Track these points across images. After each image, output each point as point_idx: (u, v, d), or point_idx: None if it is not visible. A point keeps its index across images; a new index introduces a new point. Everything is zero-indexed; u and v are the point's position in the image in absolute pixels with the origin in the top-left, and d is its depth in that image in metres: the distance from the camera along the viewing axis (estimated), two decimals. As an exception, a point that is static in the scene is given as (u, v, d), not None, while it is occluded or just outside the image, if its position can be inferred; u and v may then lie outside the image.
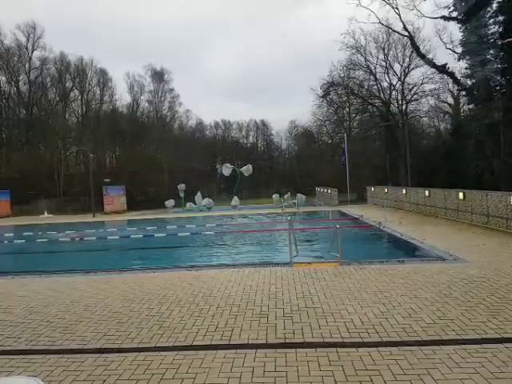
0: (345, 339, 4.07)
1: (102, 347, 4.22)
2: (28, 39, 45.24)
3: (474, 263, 7.26)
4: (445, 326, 4.29)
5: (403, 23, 33.67)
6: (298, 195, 28.78)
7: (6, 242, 16.22)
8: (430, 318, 4.55)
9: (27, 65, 45.67)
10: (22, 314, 5.54)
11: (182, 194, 32.04)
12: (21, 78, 45.86)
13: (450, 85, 36.26)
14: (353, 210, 20.53)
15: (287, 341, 4.10)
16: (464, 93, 33.81)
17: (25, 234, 17.60)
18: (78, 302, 5.94)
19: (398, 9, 32.95)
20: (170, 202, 30.88)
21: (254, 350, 3.90)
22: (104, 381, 3.46)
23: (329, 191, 30.26)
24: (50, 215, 30.24)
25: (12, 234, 18.65)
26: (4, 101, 45.52)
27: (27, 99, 45.94)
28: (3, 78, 45.44)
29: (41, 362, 3.95)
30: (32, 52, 45.63)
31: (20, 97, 46.03)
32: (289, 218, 8.61)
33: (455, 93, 37.37)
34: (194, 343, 4.19)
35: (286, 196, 30.30)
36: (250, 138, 71.02)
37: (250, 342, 4.14)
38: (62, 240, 15.41)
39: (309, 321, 4.63)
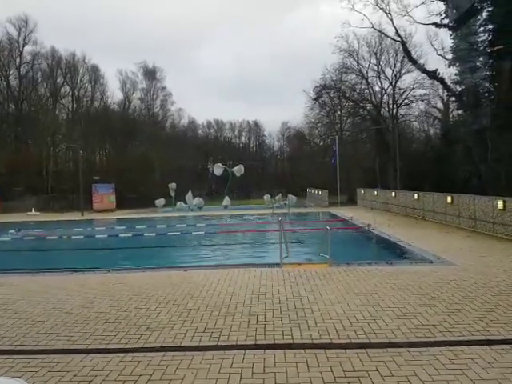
0: (333, 340, 4.08)
1: (88, 347, 4.16)
2: (19, 33, 44.32)
3: (460, 266, 7.37)
4: (432, 327, 4.34)
5: (396, 28, 34.12)
6: (289, 196, 28.84)
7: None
8: (418, 319, 4.59)
9: (18, 59, 44.79)
10: (6, 313, 5.43)
11: (172, 194, 31.82)
12: (11, 72, 44.93)
13: (440, 90, 36.79)
14: (343, 212, 20.67)
15: (276, 342, 4.10)
16: (453, 98, 34.35)
17: (10, 231, 17.29)
18: (64, 302, 5.84)
19: (390, 14, 33.37)
20: (160, 202, 30.66)
21: (243, 351, 3.89)
22: (90, 382, 3.41)
23: (320, 193, 30.42)
24: (38, 213, 29.75)
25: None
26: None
27: (17, 94, 45.09)
28: (-7, 72, 44.58)
29: (25, 362, 3.87)
30: (23, 46, 44.77)
31: (10, 91, 45.16)
32: (279, 218, 8.62)
33: (445, 98, 37.91)
34: (182, 344, 4.16)
35: (277, 197, 30.33)
36: (243, 138, 71.00)
37: (239, 343, 4.12)
38: (49, 238, 15.18)
39: (298, 322, 4.64)
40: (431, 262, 7.82)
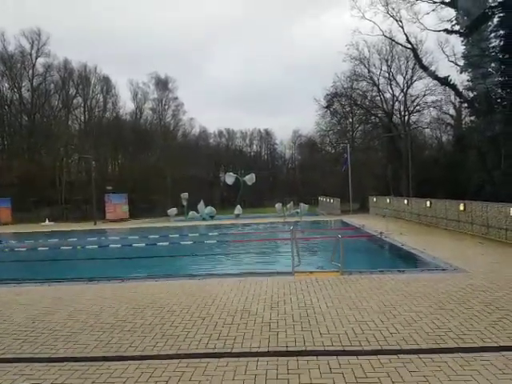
0: (345, 347, 4.13)
1: (105, 355, 4.27)
2: (32, 46, 45.48)
3: (473, 273, 7.31)
4: (443, 334, 4.35)
5: (406, 36, 34.18)
6: (301, 204, 28.82)
7: (6, 250, 16.31)
8: (429, 326, 4.61)
9: (30, 71, 45.87)
10: (25, 322, 5.58)
11: (184, 203, 32.12)
12: (24, 84, 46.02)
13: (452, 97, 36.59)
14: (355, 220, 20.59)
15: (289, 349, 4.16)
16: (466, 105, 34.07)
17: (26, 241, 17.70)
18: (81, 310, 5.99)
19: (401, 21, 33.48)
20: (172, 211, 30.96)
21: (256, 358, 3.96)
22: (108, 387, 3.52)
23: (331, 201, 30.34)
24: (52, 223, 30.34)
25: (14, 242, 18.72)
26: (6, 108, 45.83)
27: (30, 106, 46.16)
28: (6, 85, 45.83)
29: (44, 369, 3.97)
30: (36, 59, 45.92)
31: (23, 103, 46.29)
32: (291, 227, 8.69)
33: (457, 105, 37.66)
34: (197, 351, 4.24)
35: (288, 205, 30.35)
36: (254, 146, 71.48)
37: (253, 350, 4.19)
38: (64, 248, 15.50)
39: (310, 329, 4.69)
40: (444, 270, 7.78)
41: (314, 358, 3.90)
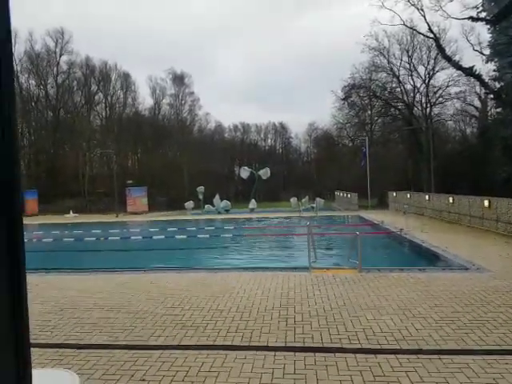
0: (363, 345, 4.13)
1: (129, 343, 4.43)
2: (56, 44, 46.91)
3: (497, 273, 7.14)
4: (464, 335, 4.29)
5: (428, 25, 33.09)
6: (317, 199, 28.62)
7: (34, 240, 16.92)
8: (450, 327, 4.55)
9: (55, 69, 47.35)
10: (53, 310, 5.84)
11: (200, 196, 32.48)
12: (49, 81, 47.61)
13: (477, 87, 35.39)
14: (373, 216, 20.32)
15: (306, 345, 4.20)
16: (492, 96, 32.84)
17: (53, 232, 18.32)
18: (104, 300, 6.21)
19: (422, 10, 32.41)
20: (189, 204, 31.37)
21: (274, 353, 4.02)
22: (132, 375, 3.66)
23: (348, 195, 30.00)
24: (75, 214, 31.26)
25: (41, 232, 19.39)
26: (33, 104, 47.38)
27: (54, 102, 47.63)
28: (33, 82, 47.40)
29: (73, 355, 4.19)
30: (60, 56, 47.30)
31: (48, 100, 47.77)
32: (307, 222, 8.68)
33: (482, 96, 36.39)
34: (216, 343, 4.34)
35: (303, 200, 30.21)
36: (269, 140, 71.14)
37: (270, 344, 4.26)
38: (87, 239, 15.97)
39: (327, 326, 4.71)
40: (466, 269, 7.62)
41: (332, 354, 3.92)
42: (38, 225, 23.99)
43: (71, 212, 31.70)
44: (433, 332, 4.41)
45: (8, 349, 0.84)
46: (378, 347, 4.07)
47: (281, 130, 69.82)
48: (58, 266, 9.88)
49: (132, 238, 16.39)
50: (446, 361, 3.68)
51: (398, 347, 4.05)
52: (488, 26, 28.70)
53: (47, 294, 6.75)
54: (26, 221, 26.26)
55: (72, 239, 16.07)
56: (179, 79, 55.50)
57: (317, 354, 3.96)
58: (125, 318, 5.30)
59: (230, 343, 4.32)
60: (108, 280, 7.73)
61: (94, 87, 50.51)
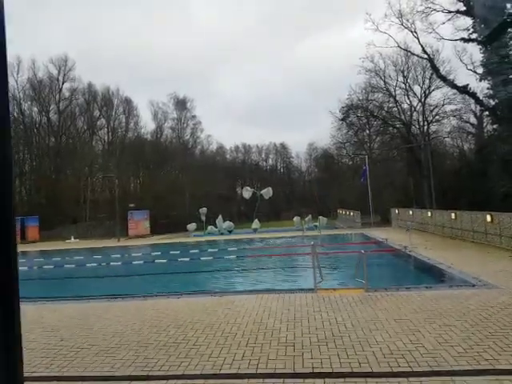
0: (374, 369, 4.01)
1: (131, 374, 4.31)
2: (59, 72, 47.98)
3: (504, 289, 7.02)
4: (476, 355, 4.17)
5: (422, 46, 33.96)
6: (320, 218, 28.52)
7: (34, 267, 16.77)
8: (461, 346, 4.43)
9: (57, 96, 48.26)
10: (53, 340, 5.70)
11: (203, 218, 32.39)
12: (51, 108, 48.41)
13: (473, 105, 35.88)
14: (377, 233, 20.18)
15: (315, 370, 4.08)
16: (487, 113, 33.30)
17: (53, 259, 18.17)
18: (106, 329, 6.07)
19: (416, 32, 33.35)
20: (191, 226, 31.24)
21: (282, 380, 3.90)
22: (136, 408, 3.54)
23: (351, 213, 29.92)
24: (76, 240, 31.10)
25: (41, 260, 19.23)
26: (35, 130, 48.04)
27: (57, 128, 48.30)
28: (35, 109, 48.20)
29: (74, 388, 4.07)
30: (63, 83, 48.30)
31: (50, 126, 48.46)
32: (311, 242, 8.61)
33: (478, 113, 36.85)
34: (222, 371, 4.22)
35: (307, 218, 30.10)
36: (270, 160, 71.75)
37: (277, 371, 4.13)
38: (89, 265, 15.82)
39: (336, 350, 4.59)
40: (473, 286, 7.49)
41: (342, 380, 3.80)
42: (38, 252, 23.82)
43: (72, 238, 31.56)
44: (444, 352, 4.29)
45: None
46: (389, 370, 3.95)
47: (281, 150, 70.51)
48: (57, 293, 9.74)
49: (134, 262, 16.22)
50: (459, 382, 3.57)
51: (410, 369, 3.93)
52: (480, 47, 29.48)
53: (47, 323, 6.62)
54: (27, 248, 26.12)
55: (72, 265, 15.92)
56: (181, 103, 56.57)
57: (326, 379, 3.84)
58: (127, 348, 5.17)
59: (236, 371, 4.20)
60: (108, 308, 7.59)
61: (96, 112, 51.40)
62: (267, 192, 33.57)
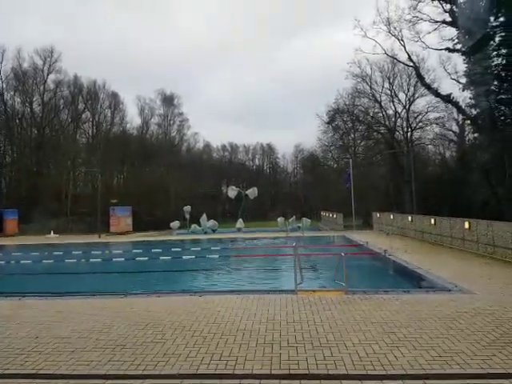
0: (349, 371, 4.06)
1: (107, 373, 4.24)
2: (44, 62, 46.91)
3: (479, 295, 7.22)
4: (449, 359, 4.28)
5: (408, 54, 34.60)
6: (303, 219, 28.77)
7: (12, 262, 16.33)
8: (435, 350, 4.53)
9: (42, 87, 47.16)
10: (27, 337, 5.57)
11: (187, 216, 32.20)
12: (35, 99, 47.24)
13: (455, 114, 36.82)
14: (358, 236, 20.45)
15: (291, 372, 4.11)
16: (469, 122, 34.18)
17: (32, 254, 17.72)
18: (82, 327, 5.96)
19: (403, 40, 33.94)
20: (175, 224, 31.02)
21: (259, 381, 3.91)
22: (109, 408, 3.49)
23: (334, 216, 30.25)
24: (56, 235, 30.43)
25: (20, 254, 18.73)
26: (17, 121, 46.74)
27: (40, 120, 47.14)
28: (18, 99, 46.91)
29: (46, 387, 3.97)
30: (48, 75, 47.25)
31: (33, 117, 47.26)
32: (293, 244, 8.66)
33: (460, 121, 37.82)
34: (199, 371, 4.20)
35: (290, 219, 30.30)
36: (256, 160, 71.91)
37: (255, 372, 4.14)
38: (68, 261, 15.50)
39: (313, 351, 4.63)
40: (449, 291, 7.68)
41: (318, 382, 3.84)
42: (16, 246, 23.20)
43: (52, 232, 30.86)
44: (418, 356, 4.38)
45: None
46: (364, 373, 4.01)
47: (268, 151, 70.75)
48: (34, 289, 9.51)
49: (114, 259, 15.97)
50: (431, 386, 3.65)
51: (384, 372, 4.01)
52: (463, 57, 30.24)
53: (22, 320, 6.46)
54: (5, 241, 25.41)
55: (51, 261, 15.57)
56: (168, 100, 56.14)
57: (302, 381, 3.87)
58: (103, 346, 5.08)
59: (213, 372, 4.18)
60: (86, 305, 7.46)
61: (81, 106, 50.42)
62: (253, 192, 33.65)
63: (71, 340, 5.36)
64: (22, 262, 15.88)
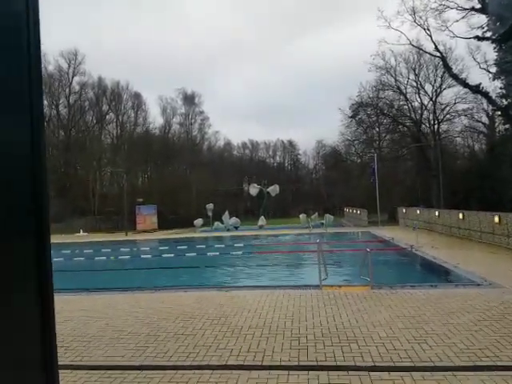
0: (376, 363, 4.11)
1: (142, 364, 4.45)
2: (69, 65, 48.25)
3: (509, 289, 7.04)
4: (479, 351, 4.25)
5: (435, 44, 33.54)
6: (326, 215, 28.53)
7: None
8: (464, 343, 4.50)
9: (67, 89, 48.64)
10: (66, 330, 5.88)
11: (210, 214, 32.63)
12: (61, 101, 48.76)
13: (485, 104, 35.40)
14: (383, 232, 20.17)
15: (319, 363, 4.19)
16: (499, 112, 32.85)
17: (63, 251, 18.51)
18: (117, 320, 6.25)
19: (429, 30, 32.91)
20: (198, 222, 31.50)
21: (287, 372, 4.01)
22: (146, 395, 3.68)
23: (358, 212, 29.87)
24: (85, 233, 31.56)
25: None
26: (45, 123, 48.50)
27: (66, 122, 48.72)
28: (45, 102, 48.66)
29: (86, 376, 4.20)
30: (72, 77, 48.64)
31: (60, 119, 48.90)
32: (317, 240, 8.70)
33: (490, 112, 36.37)
34: (228, 363, 4.35)
35: (313, 216, 30.14)
36: (277, 157, 71.61)
37: (283, 363, 4.25)
38: (99, 258, 16.11)
39: (340, 344, 4.69)
40: (478, 285, 7.53)
41: (345, 373, 3.91)
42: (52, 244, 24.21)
43: (81, 231, 32.02)
44: (446, 348, 4.37)
45: (37, 369, 0.89)
46: (392, 365, 4.05)
47: (289, 148, 70.31)
48: (68, 286, 9.97)
49: (142, 256, 16.47)
50: (460, 378, 3.65)
51: (412, 364, 4.03)
52: (494, 45, 28.98)
53: (59, 315, 6.82)
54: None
55: (82, 258, 16.23)
56: (190, 99, 56.70)
57: (330, 372, 3.95)
58: (137, 338, 5.33)
59: (242, 363, 4.32)
60: (119, 300, 7.78)
61: (105, 107, 51.71)
62: (274, 189, 33.66)
63: (107, 333, 5.63)
64: (54, 259, 16.60)
